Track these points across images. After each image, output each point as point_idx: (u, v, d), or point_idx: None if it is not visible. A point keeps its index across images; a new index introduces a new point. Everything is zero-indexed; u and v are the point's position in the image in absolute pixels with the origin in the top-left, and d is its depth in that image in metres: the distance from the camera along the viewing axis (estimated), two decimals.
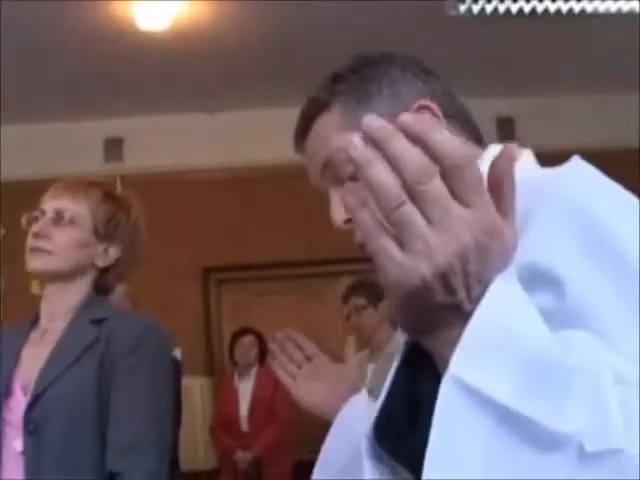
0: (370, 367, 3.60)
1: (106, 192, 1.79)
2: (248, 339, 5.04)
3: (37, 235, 1.68)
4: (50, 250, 1.68)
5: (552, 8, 4.34)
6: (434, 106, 0.93)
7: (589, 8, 4.36)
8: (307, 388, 1.35)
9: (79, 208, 1.72)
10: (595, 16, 4.44)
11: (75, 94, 5.26)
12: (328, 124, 0.97)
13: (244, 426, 4.91)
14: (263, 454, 4.77)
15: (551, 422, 0.51)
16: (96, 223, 1.74)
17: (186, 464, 2.79)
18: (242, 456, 4.77)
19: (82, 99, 5.34)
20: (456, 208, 0.55)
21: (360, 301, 3.54)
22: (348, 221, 0.95)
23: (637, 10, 4.39)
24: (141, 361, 1.61)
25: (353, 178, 0.93)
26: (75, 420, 1.57)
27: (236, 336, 5.16)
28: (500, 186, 0.58)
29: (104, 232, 1.75)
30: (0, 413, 1.59)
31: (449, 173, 0.55)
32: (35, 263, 1.69)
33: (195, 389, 5.54)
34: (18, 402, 1.61)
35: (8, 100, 4.96)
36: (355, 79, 0.97)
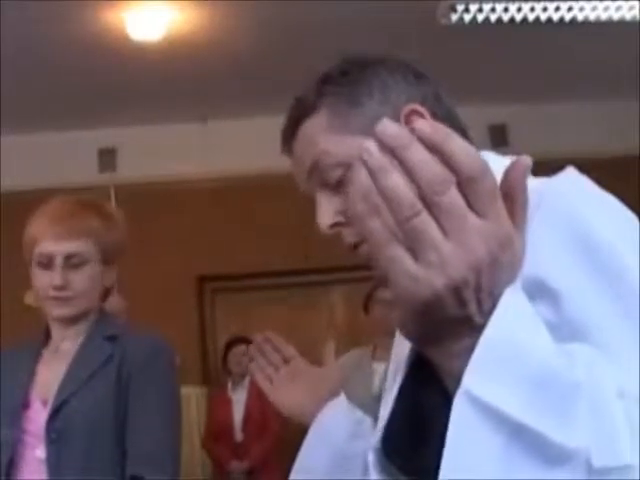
0: (376, 366, 3.60)
1: (103, 215, 1.80)
2: (241, 348, 5.01)
3: (59, 288, 1.71)
4: (73, 296, 1.73)
5: (543, 17, 4.37)
6: (424, 110, 0.93)
7: (580, 17, 4.39)
8: (284, 391, 1.32)
9: (87, 246, 1.74)
10: (585, 24, 4.47)
11: (69, 105, 5.26)
12: (316, 127, 0.95)
13: (238, 436, 4.89)
14: (257, 464, 4.75)
15: (560, 437, 0.51)
16: (104, 253, 1.78)
17: (183, 474, 2.79)
18: (237, 466, 4.76)
19: (76, 110, 5.34)
20: (471, 219, 0.54)
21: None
22: (335, 225, 0.94)
23: (627, 18, 4.42)
24: (154, 377, 1.72)
25: (340, 182, 0.93)
26: (95, 429, 1.66)
27: (229, 345, 5.15)
28: (513, 197, 0.56)
29: (110, 258, 1.80)
30: (19, 423, 1.67)
31: (465, 183, 0.53)
32: (62, 311, 1.74)
33: (190, 398, 5.53)
34: (37, 413, 1.68)
35: (2, 111, 4.96)
36: (345, 81, 0.95)
